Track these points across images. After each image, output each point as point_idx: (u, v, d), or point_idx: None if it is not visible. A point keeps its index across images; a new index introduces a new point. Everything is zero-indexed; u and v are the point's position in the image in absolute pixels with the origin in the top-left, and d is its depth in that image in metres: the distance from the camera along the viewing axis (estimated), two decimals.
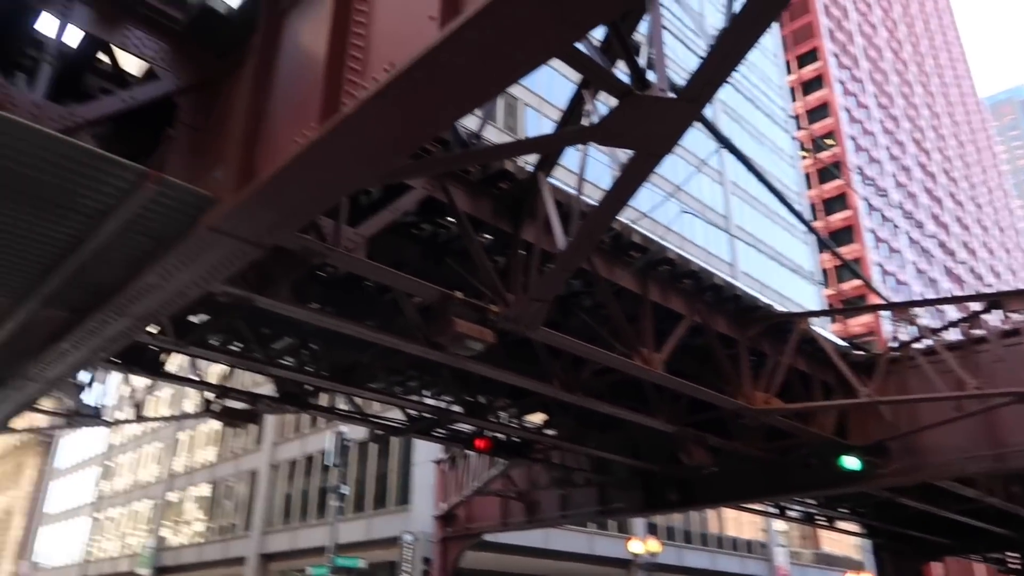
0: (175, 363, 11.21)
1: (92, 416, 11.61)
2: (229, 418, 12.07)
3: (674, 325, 10.28)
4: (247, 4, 5.68)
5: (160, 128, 6.18)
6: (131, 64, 6.72)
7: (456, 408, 12.76)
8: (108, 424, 12.59)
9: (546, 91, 35.25)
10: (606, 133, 4.68)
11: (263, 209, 4.97)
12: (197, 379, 11.47)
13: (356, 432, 25.28)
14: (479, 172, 8.00)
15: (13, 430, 12.48)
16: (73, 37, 6.03)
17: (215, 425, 36.22)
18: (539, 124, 34.84)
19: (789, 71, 71.34)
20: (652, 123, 4.60)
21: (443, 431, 14.37)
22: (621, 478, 16.38)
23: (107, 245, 5.59)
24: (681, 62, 39.60)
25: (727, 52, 4.18)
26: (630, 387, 11.53)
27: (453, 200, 7.67)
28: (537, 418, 15.19)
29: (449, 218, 8.36)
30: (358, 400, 13.88)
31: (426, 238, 8.76)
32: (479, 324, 7.60)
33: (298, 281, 7.86)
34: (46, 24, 5.90)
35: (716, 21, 47.29)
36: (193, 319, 9.52)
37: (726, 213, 47.68)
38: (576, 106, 6.95)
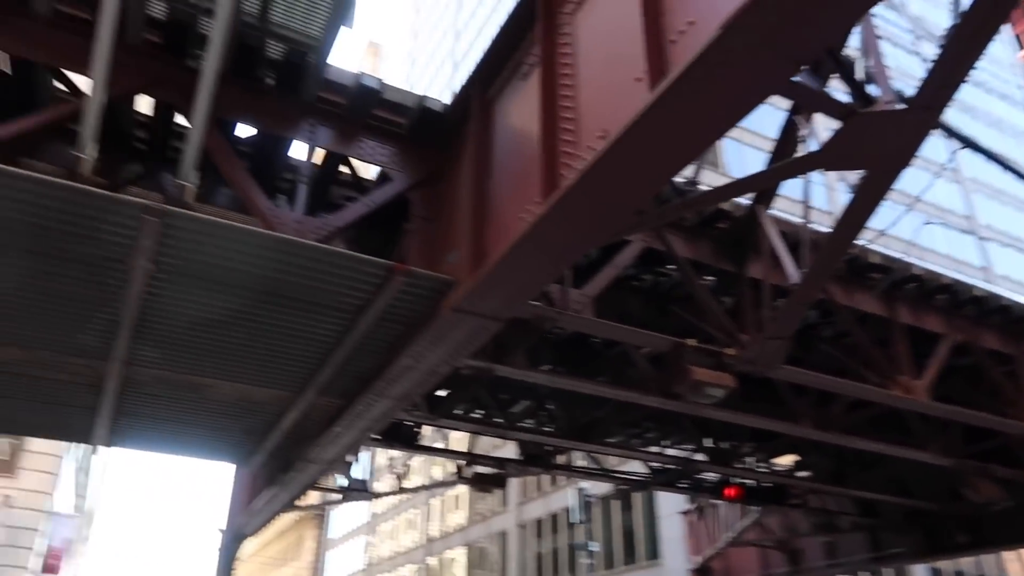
0: (424, 433, 12.02)
1: (361, 490, 12.68)
2: (480, 483, 12.63)
3: (933, 347, 9.33)
4: (459, 98, 6.15)
5: (394, 220, 6.83)
6: (363, 168, 7.54)
7: (699, 456, 12.40)
8: (375, 496, 13.65)
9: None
10: (833, 158, 4.46)
11: (499, 285, 5.26)
12: (447, 449, 12.17)
13: (597, 488, 25.26)
14: (695, 216, 7.91)
15: (297, 507, 13.92)
16: (318, 156, 6.88)
17: (462, 489, 37.99)
18: (740, 153, 33.77)
19: (1021, 45, 63.41)
20: (884, 139, 4.31)
21: (688, 481, 13.99)
22: (894, 520, 14.87)
23: (366, 335, 6.19)
24: (894, 64, 36.73)
25: (961, 52, 3.85)
26: (890, 419, 10.57)
27: (672, 248, 7.62)
28: (787, 460, 14.31)
29: (669, 265, 8.31)
30: (596, 455, 13.94)
31: (647, 288, 8.76)
32: (716, 369, 7.39)
33: (530, 346, 8.16)
34: (297, 150, 6.82)
35: (919, 9, 43.52)
36: (440, 393, 10.18)
37: (969, 214, 42.79)
38: (789, 134, 6.70)
